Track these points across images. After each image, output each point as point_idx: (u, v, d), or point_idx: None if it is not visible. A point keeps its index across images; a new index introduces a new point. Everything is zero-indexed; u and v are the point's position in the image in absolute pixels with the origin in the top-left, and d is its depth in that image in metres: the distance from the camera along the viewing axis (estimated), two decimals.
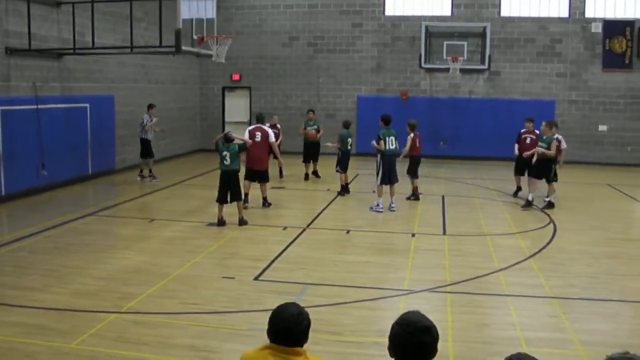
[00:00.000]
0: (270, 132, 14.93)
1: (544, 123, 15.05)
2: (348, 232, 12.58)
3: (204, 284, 9.07)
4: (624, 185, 19.39)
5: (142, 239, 11.82)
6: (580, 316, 8.20)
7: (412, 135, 15.75)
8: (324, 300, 8.41)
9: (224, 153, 12.93)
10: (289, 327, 3.23)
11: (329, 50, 26.03)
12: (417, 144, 15.89)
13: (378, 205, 14.59)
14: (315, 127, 19.18)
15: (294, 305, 3.36)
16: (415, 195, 15.95)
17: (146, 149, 18.60)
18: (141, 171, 18.90)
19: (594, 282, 9.57)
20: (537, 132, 15.99)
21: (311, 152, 19.12)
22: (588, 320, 8.08)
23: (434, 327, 2.91)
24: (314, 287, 9.01)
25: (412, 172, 15.94)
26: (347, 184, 16.85)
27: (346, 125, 17.33)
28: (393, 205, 14.70)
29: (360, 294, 8.74)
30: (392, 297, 8.76)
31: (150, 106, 18.80)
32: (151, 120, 18.51)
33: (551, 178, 15.08)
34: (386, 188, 14.65)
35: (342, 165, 16.69)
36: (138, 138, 18.77)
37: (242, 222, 12.91)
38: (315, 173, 19.48)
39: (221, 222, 12.87)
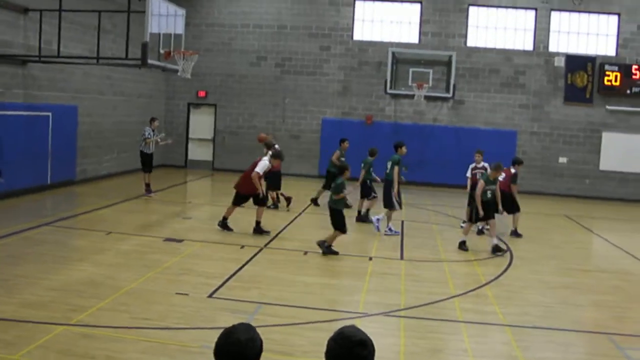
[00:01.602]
0: (261, 163, 14.06)
1: (491, 167, 14.65)
2: (306, 253, 12.55)
3: (157, 299, 8.96)
4: (582, 217, 19.73)
5: (98, 251, 11.65)
6: (532, 345, 8.27)
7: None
8: (277, 320, 8.36)
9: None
10: (237, 353, 2.85)
11: (296, 71, 26.13)
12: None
13: (393, 230, 14.88)
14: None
15: (244, 329, 2.94)
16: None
17: (146, 162, 18.44)
18: (148, 185, 18.68)
19: (548, 312, 9.67)
20: (486, 166, 16.13)
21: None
22: (540, 349, 8.15)
23: (370, 340, 2.90)
24: (268, 306, 8.95)
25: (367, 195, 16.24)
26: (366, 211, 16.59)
27: (372, 153, 16.74)
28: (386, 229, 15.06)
29: (314, 315, 8.71)
30: (345, 319, 8.72)
31: (152, 120, 18.76)
32: (155, 135, 18.40)
33: (514, 209, 15.34)
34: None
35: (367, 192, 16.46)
36: (138, 150, 18.64)
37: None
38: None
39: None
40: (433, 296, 9.88)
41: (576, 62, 24.99)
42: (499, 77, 25.23)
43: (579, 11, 25.00)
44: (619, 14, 25.00)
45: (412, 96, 24.15)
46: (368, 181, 16.28)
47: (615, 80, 24.62)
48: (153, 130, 18.50)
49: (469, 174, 16.42)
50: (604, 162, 24.91)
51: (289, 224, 15.37)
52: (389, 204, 15.06)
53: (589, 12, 25.06)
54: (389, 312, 9.04)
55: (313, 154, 25.95)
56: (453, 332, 8.51)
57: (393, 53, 24.26)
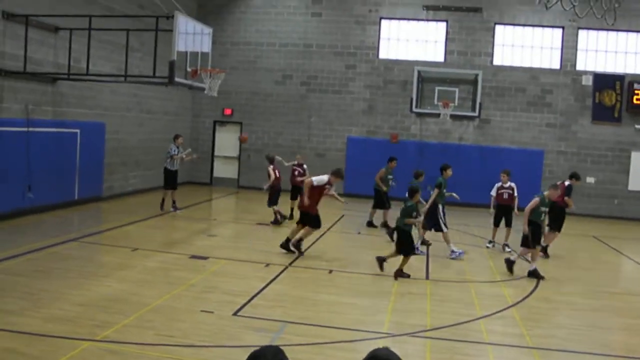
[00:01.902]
0: (319, 177, 14.05)
1: (549, 187, 13.77)
2: (330, 272, 12.50)
3: (181, 316, 8.96)
4: (610, 238, 19.46)
5: (124, 267, 11.71)
6: None
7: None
8: (301, 339, 8.31)
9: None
10: None
11: (322, 90, 26.22)
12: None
13: (456, 252, 14.76)
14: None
15: (272, 352, 2.92)
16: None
17: (170, 179, 18.62)
18: (174, 202, 18.88)
19: (575, 334, 9.52)
20: (513, 185, 16.26)
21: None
22: None
23: None
24: (292, 325, 8.91)
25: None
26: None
27: (416, 175, 16.48)
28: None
29: (339, 334, 8.66)
30: (371, 339, 8.68)
31: (176, 137, 18.99)
32: (180, 151, 18.58)
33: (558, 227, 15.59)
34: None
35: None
36: (163, 168, 18.86)
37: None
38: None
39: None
40: (459, 317, 9.78)
41: (604, 81, 24.79)
42: (526, 96, 25.10)
43: (607, 29, 24.78)
44: None
45: (438, 115, 24.10)
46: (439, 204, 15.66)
47: None
48: (178, 147, 18.64)
49: (493, 193, 16.29)
50: (633, 182, 24.60)
51: (314, 243, 15.33)
52: (436, 226, 14.93)
53: (617, 30, 24.85)
54: (415, 333, 8.95)
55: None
56: (479, 354, 8.40)
57: (419, 72, 24.25)
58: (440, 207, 14.95)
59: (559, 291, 12.23)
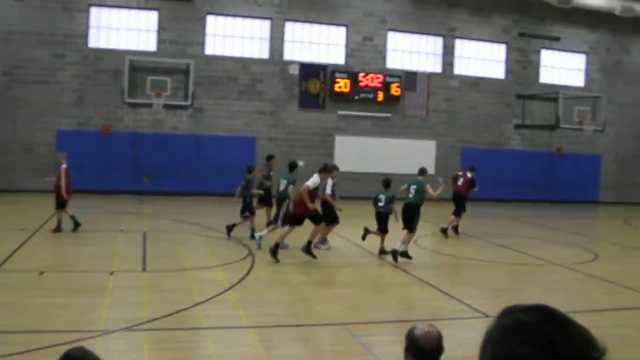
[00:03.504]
0: (312, 179, 13.96)
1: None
2: (42, 273, 11.84)
3: None
4: None
5: None
6: (274, 343, 8.57)
7: None
8: (10, 349, 7.77)
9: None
10: None
11: (27, 81, 24.53)
12: None
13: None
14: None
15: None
16: None
17: None
18: None
19: (289, 309, 10.07)
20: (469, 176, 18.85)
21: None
22: (282, 346, 8.50)
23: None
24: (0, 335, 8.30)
25: None
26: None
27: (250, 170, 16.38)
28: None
29: (53, 338, 8.22)
30: (86, 339, 8.37)
31: None
32: None
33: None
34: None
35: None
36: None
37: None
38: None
39: None
40: (176, 305, 9.79)
41: (309, 70, 26.35)
42: (237, 85, 25.80)
43: (311, 22, 26.40)
44: (346, 26, 26.80)
45: (151, 105, 23.83)
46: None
47: (345, 87, 26.37)
48: None
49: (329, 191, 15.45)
50: (338, 164, 26.39)
51: (20, 246, 14.37)
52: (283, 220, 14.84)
53: (320, 23, 26.56)
54: (132, 327, 8.79)
55: (50, 168, 24.51)
56: (197, 340, 8.52)
57: (130, 61, 23.77)
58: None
59: (273, 270, 12.82)
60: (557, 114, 27.52)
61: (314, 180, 13.93)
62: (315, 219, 13.92)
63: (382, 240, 14.76)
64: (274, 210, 16.00)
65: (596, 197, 31.09)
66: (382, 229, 14.78)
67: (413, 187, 14.62)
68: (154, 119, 25.23)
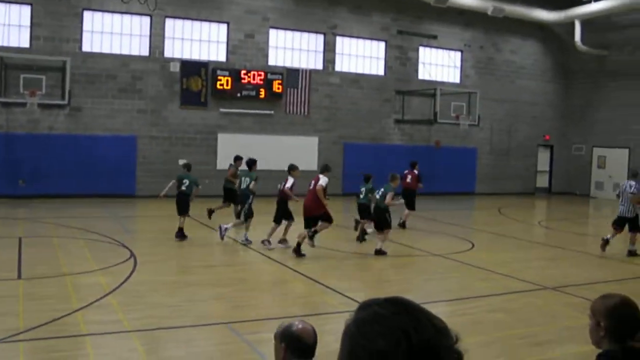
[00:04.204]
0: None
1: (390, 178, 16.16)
2: None
3: None
4: (204, 216, 20.39)
5: None
6: (157, 346, 8.48)
7: None
8: None
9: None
10: None
11: None
12: None
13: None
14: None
15: None
16: None
17: None
18: None
19: (173, 311, 9.94)
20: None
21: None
22: (165, 349, 8.44)
23: None
24: None
25: None
26: None
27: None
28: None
29: None
30: None
31: None
32: None
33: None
34: None
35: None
36: None
37: None
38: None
39: None
40: (54, 313, 9.47)
41: (191, 67, 26.02)
42: (117, 83, 25.10)
43: (192, 19, 26.08)
44: (228, 23, 26.66)
45: (25, 104, 22.84)
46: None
47: (227, 85, 26.25)
48: None
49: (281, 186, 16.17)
50: (220, 162, 26.38)
51: None
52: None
53: (201, 20, 26.29)
54: (6, 339, 8.44)
55: None
56: (77, 347, 8.30)
57: (1, 58, 22.68)
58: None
59: (156, 271, 12.65)
60: (434, 109, 28.53)
61: (325, 180, 15.06)
62: (328, 218, 15.02)
63: (382, 239, 15.39)
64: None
65: (473, 189, 32.44)
66: (376, 226, 15.69)
67: (363, 189, 17.14)
68: (29, 119, 24.11)
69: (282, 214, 15.90)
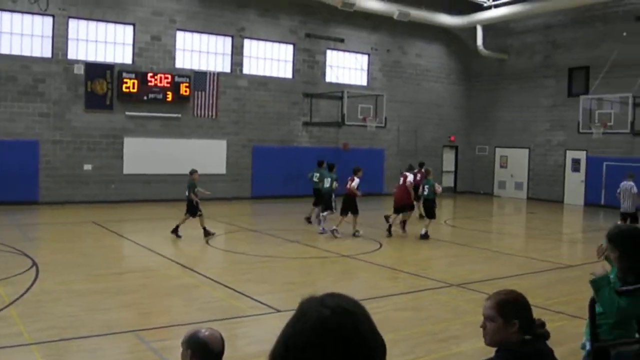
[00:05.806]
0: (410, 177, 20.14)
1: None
2: None
3: None
4: (110, 222, 20.19)
5: None
6: (60, 358, 8.28)
7: None
8: None
9: None
10: None
11: None
12: None
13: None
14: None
15: None
16: None
17: None
18: None
19: (76, 321, 9.71)
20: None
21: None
22: None
23: None
24: None
25: None
26: None
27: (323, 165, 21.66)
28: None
29: None
30: None
31: None
32: None
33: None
34: None
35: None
36: None
37: None
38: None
39: None
40: None
41: (96, 70, 25.41)
42: (17, 85, 24.20)
43: (97, 20, 25.48)
44: (134, 25, 26.18)
45: None
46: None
47: (133, 87, 25.78)
48: None
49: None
50: (127, 166, 25.94)
51: None
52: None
53: (106, 21, 25.71)
54: None
55: None
56: None
57: None
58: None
59: (59, 281, 12.31)
60: (342, 112, 28.88)
61: (356, 180, 18.93)
62: (412, 207, 20.33)
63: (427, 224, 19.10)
64: None
65: (381, 189, 32.88)
66: (354, 212, 19.05)
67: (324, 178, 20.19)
68: None
69: (349, 208, 18.97)
